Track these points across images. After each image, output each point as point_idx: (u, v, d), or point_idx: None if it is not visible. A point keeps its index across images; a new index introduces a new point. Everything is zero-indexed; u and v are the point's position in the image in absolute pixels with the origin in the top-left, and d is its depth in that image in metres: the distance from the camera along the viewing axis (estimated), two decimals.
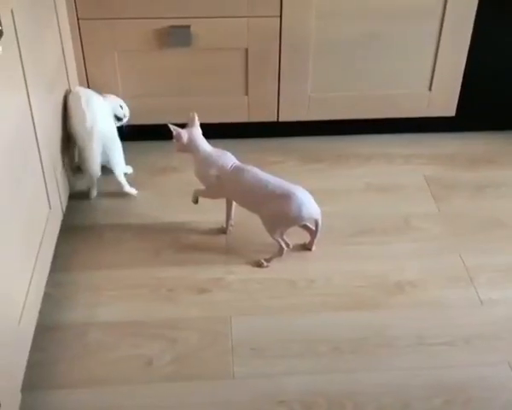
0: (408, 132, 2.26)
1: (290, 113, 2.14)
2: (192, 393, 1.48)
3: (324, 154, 2.18)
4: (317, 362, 1.54)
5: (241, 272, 1.75)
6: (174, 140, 1.75)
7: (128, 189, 1.96)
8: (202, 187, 1.80)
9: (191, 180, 1.82)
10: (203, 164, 1.76)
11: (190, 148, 1.76)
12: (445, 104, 2.16)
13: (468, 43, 2.04)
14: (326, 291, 1.71)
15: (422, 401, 1.47)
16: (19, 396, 1.33)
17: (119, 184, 1.94)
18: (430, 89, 2.12)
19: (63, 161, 1.81)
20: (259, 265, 1.76)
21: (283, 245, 1.74)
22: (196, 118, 1.76)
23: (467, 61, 2.07)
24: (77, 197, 1.94)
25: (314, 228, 1.75)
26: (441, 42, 2.03)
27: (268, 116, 2.14)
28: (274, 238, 1.73)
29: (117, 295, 1.68)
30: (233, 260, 1.79)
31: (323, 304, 1.68)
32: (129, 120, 2.05)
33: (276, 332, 1.61)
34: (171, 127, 1.73)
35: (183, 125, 2.13)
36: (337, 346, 1.58)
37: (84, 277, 1.73)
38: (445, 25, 2.00)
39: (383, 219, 1.93)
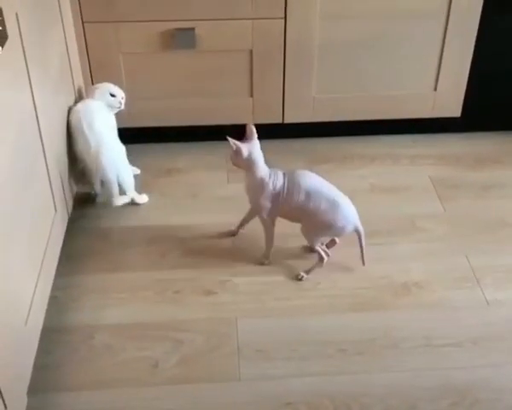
0: (413, 133, 2.26)
1: (295, 114, 2.14)
2: (198, 395, 1.48)
3: (329, 155, 2.18)
4: (323, 364, 1.54)
5: (246, 274, 1.75)
6: (232, 154, 1.66)
7: (140, 199, 1.96)
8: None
9: (197, 182, 1.82)
10: (260, 186, 1.67)
11: (249, 165, 1.66)
12: (451, 105, 2.15)
13: (474, 43, 2.03)
14: (332, 293, 1.71)
15: (429, 402, 1.46)
16: (25, 399, 1.34)
17: (131, 199, 1.93)
18: (435, 89, 2.12)
19: (69, 165, 1.81)
20: (299, 279, 1.73)
21: (323, 255, 1.72)
22: (254, 131, 1.67)
23: (472, 62, 2.07)
24: (83, 200, 1.95)
25: (359, 242, 1.71)
26: (446, 42, 2.03)
27: (273, 118, 2.15)
28: (314, 248, 1.71)
29: (123, 298, 1.68)
30: (239, 262, 1.79)
31: (329, 306, 1.67)
32: (133, 122, 2.05)
33: (281, 334, 1.60)
34: (231, 141, 1.63)
35: (187, 128, 2.15)
36: (343, 347, 1.57)
37: (90, 279, 1.73)
38: (449, 25, 2.00)
39: (389, 219, 1.93)
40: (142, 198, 1.96)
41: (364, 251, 1.72)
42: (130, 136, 2.07)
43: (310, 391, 1.48)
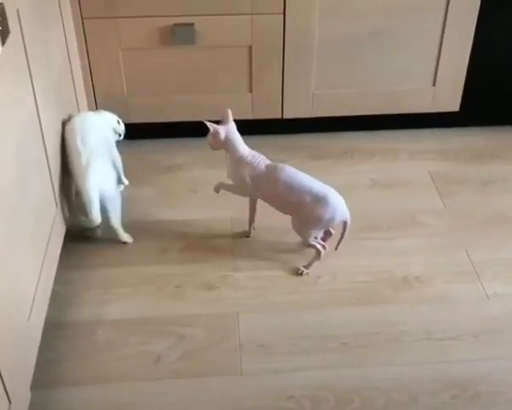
0: (412, 128, 2.26)
1: (294, 109, 2.14)
2: (200, 389, 1.48)
3: (329, 150, 2.19)
4: (324, 358, 1.55)
5: (247, 269, 1.75)
6: (210, 136, 1.71)
7: (125, 237, 1.82)
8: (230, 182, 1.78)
9: (197, 177, 1.82)
10: (238, 163, 1.72)
11: (227, 145, 1.71)
12: (450, 99, 2.16)
13: (472, 37, 2.04)
14: (333, 287, 1.71)
15: (430, 395, 1.47)
16: (28, 394, 1.34)
17: (114, 231, 1.80)
18: (434, 84, 2.12)
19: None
20: (299, 274, 1.73)
21: (320, 248, 1.72)
22: (230, 114, 1.72)
23: (470, 56, 2.07)
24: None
25: (342, 230, 1.71)
26: (445, 37, 2.03)
27: (272, 113, 2.15)
28: (306, 242, 1.72)
29: (125, 293, 1.68)
30: (240, 257, 1.79)
31: (330, 300, 1.68)
32: (132, 117, 2.05)
33: (283, 329, 1.61)
34: (208, 124, 1.68)
35: (186, 123, 2.15)
36: (345, 341, 1.58)
37: (92, 275, 1.73)
38: (448, 20, 2.00)
39: (388, 214, 1.93)
40: (126, 237, 1.83)
41: (343, 241, 1.72)
42: (129, 132, 2.07)
43: (312, 385, 1.49)
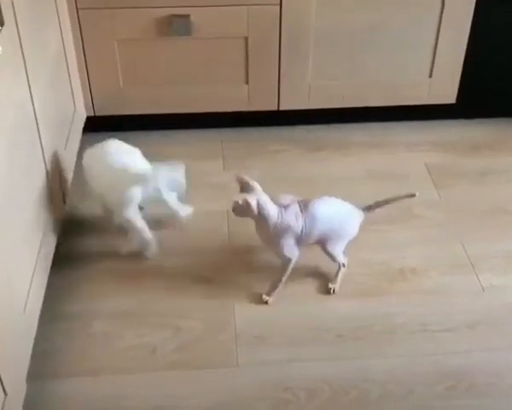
0: (409, 120, 2.26)
1: (291, 101, 2.14)
2: (196, 381, 1.48)
3: (325, 142, 2.18)
4: (320, 350, 1.55)
5: (243, 261, 1.75)
6: (239, 208, 1.51)
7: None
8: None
9: (192, 169, 1.81)
10: (275, 232, 1.56)
11: (258, 216, 1.53)
12: (446, 91, 2.15)
13: (469, 29, 2.03)
14: (328, 279, 1.71)
15: (426, 387, 1.48)
16: (24, 386, 1.34)
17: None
18: (431, 76, 2.12)
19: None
20: (332, 292, 1.67)
21: (345, 262, 1.70)
22: (249, 180, 1.53)
23: (467, 48, 2.07)
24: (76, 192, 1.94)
25: None
26: (441, 29, 2.03)
27: (268, 105, 2.14)
28: (338, 260, 1.67)
29: (121, 285, 1.68)
30: (236, 249, 1.79)
31: (326, 292, 1.68)
32: (127, 109, 2.04)
33: (279, 320, 1.61)
34: (237, 200, 1.49)
35: (182, 115, 2.14)
36: (341, 333, 1.58)
37: (88, 266, 1.73)
38: (445, 12, 1.99)
39: (385, 207, 1.93)
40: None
41: None
42: (124, 123, 2.07)
43: (308, 376, 1.49)
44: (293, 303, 1.65)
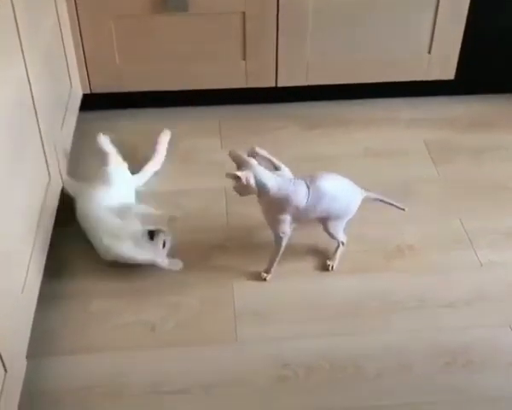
0: (407, 96, 2.25)
1: (289, 78, 2.12)
2: (195, 358, 1.49)
3: (323, 119, 2.17)
4: (319, 326, 1.56)
5: (241, 238, 1.76)
6: (238, 187, 1.52)
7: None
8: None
9: (190, 147, 1.80)
10: (275, 205, 1.55)
11: (256, 190, 1.53)
12: (445, 67, 2.14)
13: (468, 4, 2.01)
14: (326, 256, 1.71)
15: (423, 363, 1.48)
16: (24, 363, 1.34)
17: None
18: (429, 52, 2.10)
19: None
20: (330, 269, 1.68)
21: (344, 240, 1.69)
22: (258, 150, 1.57)
23: (466, 24, 2.05)
24: (74, 171, 1.93)
25: None
26: (440, 4, 2.01)
27: (266, 82, 2.13)
28: (338, 238, 1.67)
29: (118, 263, 1.68)
30: (234, 227, 1.79)
31: (324, 269, 1.68)
32: (124, 86, 2.02)
33: (278, 298, 1.62)
34: (229, 174, 1.50)
35: (179, 92, 2.13)
36: (339, 310, 1.59)
37: (86, 246, 1.72)
38: None
39: (383, 183, 1.92)
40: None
41: None
42: (122, 100, 2.06)
43: (306, 353, 1.50)
44: (292, 280, 1.66)
